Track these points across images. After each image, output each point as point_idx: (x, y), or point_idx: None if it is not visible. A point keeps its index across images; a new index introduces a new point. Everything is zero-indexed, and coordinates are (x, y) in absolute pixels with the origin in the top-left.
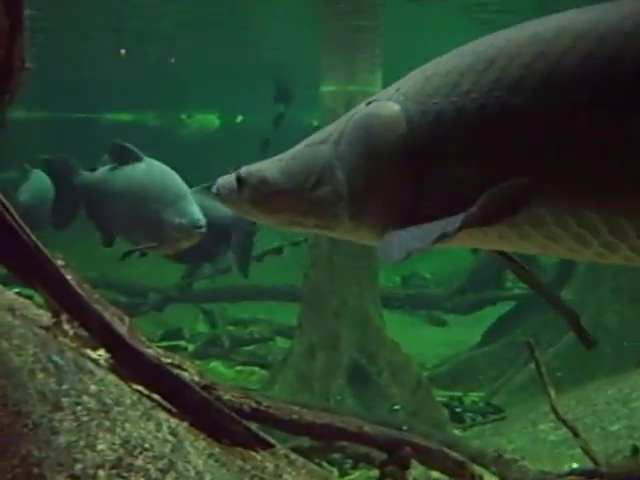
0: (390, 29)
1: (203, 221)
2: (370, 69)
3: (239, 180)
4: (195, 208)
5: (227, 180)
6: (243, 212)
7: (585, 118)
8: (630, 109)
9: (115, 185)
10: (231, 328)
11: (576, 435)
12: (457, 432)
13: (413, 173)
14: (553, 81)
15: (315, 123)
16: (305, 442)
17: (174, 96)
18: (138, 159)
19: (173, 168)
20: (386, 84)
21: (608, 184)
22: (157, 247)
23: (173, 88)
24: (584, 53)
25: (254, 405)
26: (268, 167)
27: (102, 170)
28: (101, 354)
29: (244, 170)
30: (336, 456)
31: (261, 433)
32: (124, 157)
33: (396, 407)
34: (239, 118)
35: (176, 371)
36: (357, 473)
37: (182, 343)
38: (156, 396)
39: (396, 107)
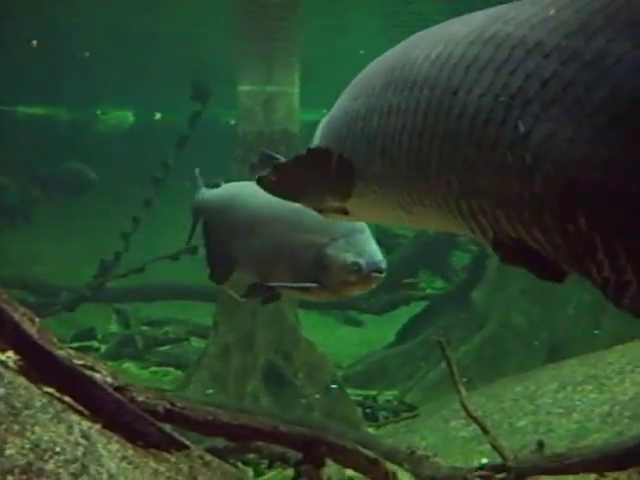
0: (307, 29)
1: (384, 263)
2: (288, 69)
3: None
4: (374, 245)
5: None
6: None
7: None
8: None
9: (252, 207)
10: (145, 328)
11: (485, 431)
12: (371, 430)
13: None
14: (371, 94)
15: (232, 122)
16: (220, 443)
17: (89, 91)
18: None
19: (88, 164)
20: (304, 84)
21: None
22: (318, 289)
23: (87, 83)
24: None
25: (168, 406)
26: None
27: (229, 187)
28: (9, 356)
29: None
30: (251, 456)
31: (175, 434)
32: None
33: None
34: (157, 115)
35: (88, 372)
36: (272, 473)
37: (94, 344)
38: (67, 398)
39: None
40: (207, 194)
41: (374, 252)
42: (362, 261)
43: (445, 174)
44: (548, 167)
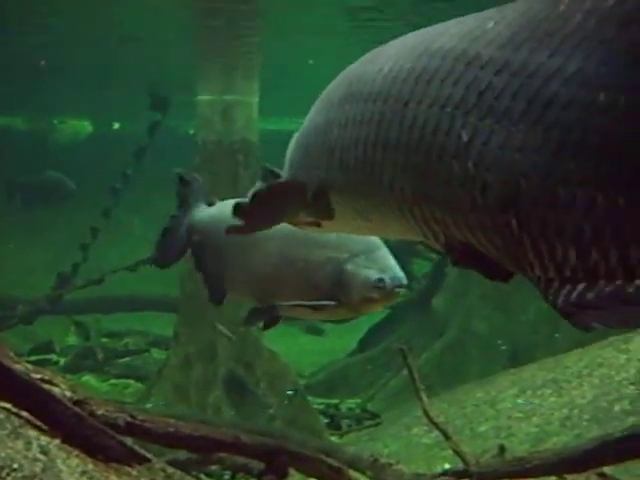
0: (268, 39)
1: (405, 279)
2: (247, 78)
3: None
4: (393, 260)
5: None
6: None
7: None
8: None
9: None
10: (105, 340)
11: (447, 437)
12: (334, 439)
13: None
14: (330, 108)
15: (191, 132)
16: (182, 455)
17: (45, 100)
18: None
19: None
20: (263, 93)
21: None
22: (336, 308)
23: (44, 92)
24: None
25: (129, 419)
26: None
27: (227, 204)
28: None
29: None
30: (214, 468)
31: (136, 447)
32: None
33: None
34: (116, 125)
35: (46, 386)
36: None
37: (53, 357)
38: (25, 413)
39: None
40: (201, 213)
41: (395, 267)
42: (386, 277)
43: (398, 182)
44: (485, 173)
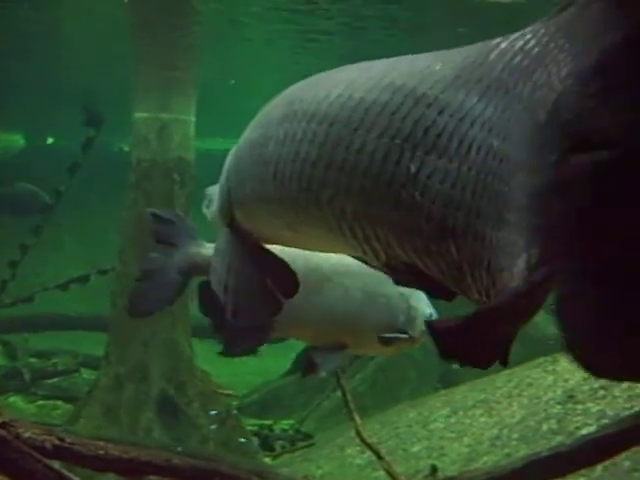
0: (205, 59)
1: None
2: (184, 97)
3: None
4: None
5: None
6: None
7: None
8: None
9: (315, 261)
10: (33, 360)
11: (380, 458)
12: (267, 460)
13: None
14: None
15: (126, 149)
16: (112, 478)
17: None
18: None
19: None
20: (200, 112)
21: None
22: (403, 341)
23: None
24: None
25: (56, 442)
26: None
27: None
28: None
29: None
30: None
31: (64, 471)
32: None
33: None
34: (49, 140)
35: None
36: None
37: None
38: None
39: None
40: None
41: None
42: (433, 311)
43: (339, 201)
44: (429, 204)
